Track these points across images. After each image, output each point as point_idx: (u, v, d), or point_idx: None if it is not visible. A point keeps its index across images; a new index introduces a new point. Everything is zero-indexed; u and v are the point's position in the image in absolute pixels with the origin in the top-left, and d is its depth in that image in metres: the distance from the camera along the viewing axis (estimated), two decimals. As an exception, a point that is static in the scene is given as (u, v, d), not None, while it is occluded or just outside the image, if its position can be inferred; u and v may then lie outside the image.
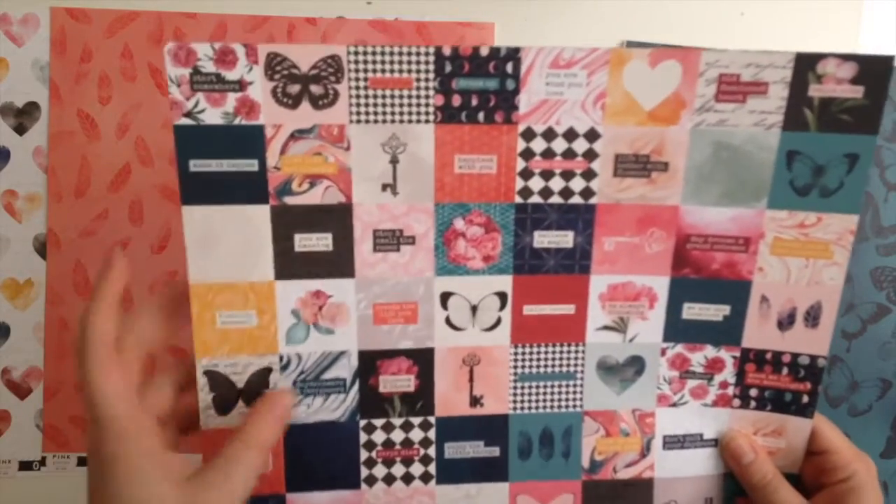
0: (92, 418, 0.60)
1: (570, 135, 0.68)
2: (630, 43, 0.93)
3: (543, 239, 0.70)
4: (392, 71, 0.65)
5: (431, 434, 0.74)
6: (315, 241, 0.68)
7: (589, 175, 0.69)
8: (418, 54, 0.65)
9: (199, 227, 0.66)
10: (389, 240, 0.69)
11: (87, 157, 0.91)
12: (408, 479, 0.75)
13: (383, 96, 0.65)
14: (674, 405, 0.76)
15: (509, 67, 0.66)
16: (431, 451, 0.75)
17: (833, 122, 0.67)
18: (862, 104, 0.67)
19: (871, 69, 0.66)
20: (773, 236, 0.70)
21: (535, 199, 0.69)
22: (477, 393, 0.74)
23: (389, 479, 0.75)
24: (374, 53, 0.64)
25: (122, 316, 0.64)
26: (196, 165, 0.65)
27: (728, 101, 0.67)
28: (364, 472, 0.74)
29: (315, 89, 0.65)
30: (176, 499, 0.60)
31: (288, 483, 0.73)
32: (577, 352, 0.74)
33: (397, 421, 0.74)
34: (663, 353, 0.74)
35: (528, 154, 0.68)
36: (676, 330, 0.74)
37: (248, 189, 0.66)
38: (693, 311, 0.73)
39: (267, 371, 0.71)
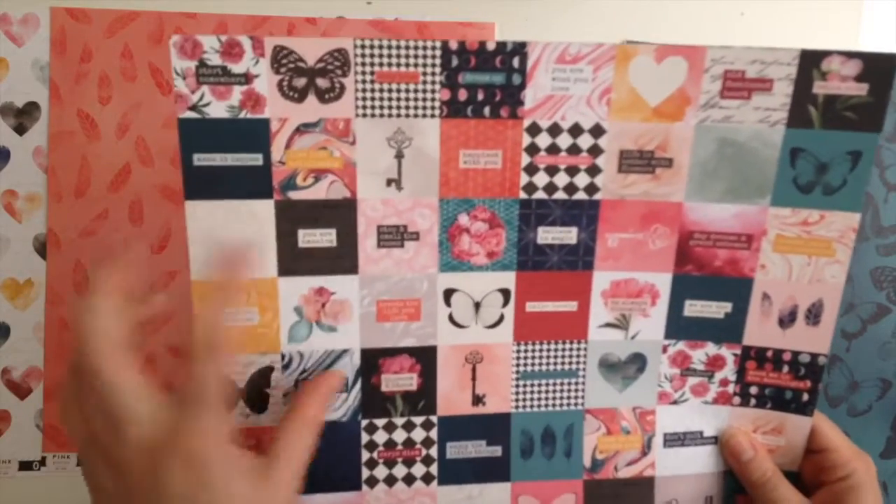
0: (125, 422, 0.58)
1: (576, 130, 0.68)
2: (630, 43, 0.93)
3: (547, 235, 0.70)
4: (399, 65, 0.65)
5: (433, 434, 0.74)
6: (319, 237, 0.68)
7: (593, 171, 0.69)
8: (425, 48, 0.65)
9: (201, 223, 0.66)
10: (393, 235, 0.69)
11: (87, 157, 0.90)
12: (409, 479, 0.75)
13: (389, 90, 0.65)
14: (674, 402, 0.76)
15: (515, 62, 0.66)
16: (433, 452, 0.75)
17: (837, 119, 0.67)
18: (866, 101, 0.67)
19: (875, 66, 0.66)
20: (775, 233, 0.70)
21: (540, 194, 0.69)
22: (479, 391, 0.74)
23: (391, 481, 0.74)
24: (380, 47, 0.64)
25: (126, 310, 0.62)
26: (200, 159, 0.65)
27: (733, 98, 0.68)
28: (365, 473, 0.74)
29: (321, 83, 0.65)
30: (250, 496, 0.60)
31: None
32: (579, 349, 0.74)
33: (399, 420, 0.74)
34: (665, 350, 0.74)
35: (533, 149, 0.68)
36: (678, 327, 0.74)
37: (253, 183, 0.66)
38: (695, 308, 0.73)
39: (268, 370, 0.70)
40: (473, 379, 0.73)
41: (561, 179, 0.69)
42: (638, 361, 0.75)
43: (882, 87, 0.67)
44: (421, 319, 0.72)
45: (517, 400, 0.74)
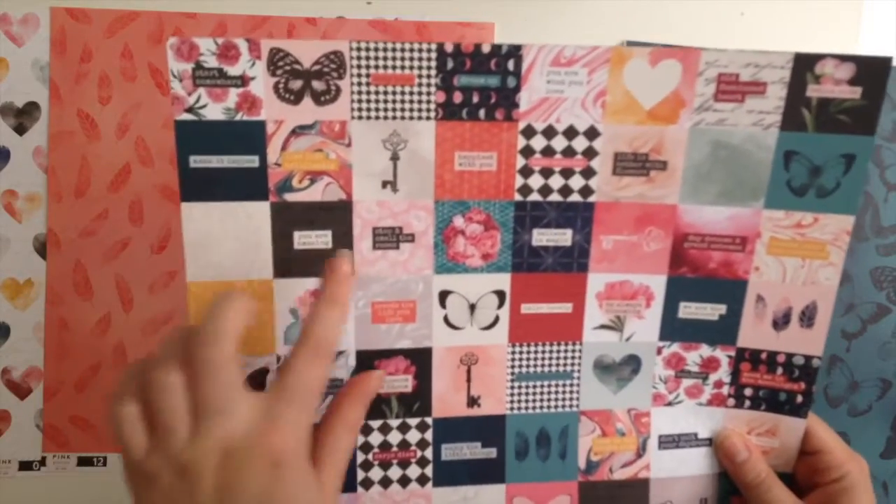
0: (219, 412, 0.58)
1: (570, 133, 0.68)
2: (630, 43, 0.93)
3: (542, 237, 0.70)
4: (394, 67, 0.65)
5: (428, 435, 0.74)
6: (314, 239, 0.68)
7: (588, 173, 0.69)
8: (420, 51, 0.65)
9: (197, 225, 0.66)
10: (389, 237, 0.69)
11: (87, 157, 0.91)
12: (404, 481, 0.75)
13: (385, 93, 0.66)
14: (669, 404, 0.76)
15: (511, 65, 0.66)
16: (428, 453, 0.75)
17: (831, 122, 0.67)
18: (860, 105, 0.67)
19: (869, 70, 0.66)
20: (769, 236, 0.70)
21: (535, 196, 0.69)
22: (474, 393, 0.74)
23: (386, 482, 0.75)
24: (376, 49, 0.65)
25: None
26: (196, 161, 0.65)
27: (727, 101, 0.68)
28: (360, 475, 0.74)
29: (317, 85, 0.65)
30: (312, 498, 0.61)
31: None
32: (573, 351, 0.74)
33: (394, 422, 0.74)
34: (659, 352, 0.75)
35: (528, 151, 0.68)
36: (672, 329, 0.74)
37: (249, 185, 0.66)
38: (689, 310, 0.73)
39: (264, 372, 0.70)
40: (468, 380, 0.73)
41: (556, 182, 0.69)
42: (632, 363, 0.75)
43: (876, 91, 0.66)
44: (416, 321, 0.72)
45: (512, 401, 0.74)
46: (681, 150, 0.69)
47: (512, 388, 0.74)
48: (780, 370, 0.73)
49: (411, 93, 0.66)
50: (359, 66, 0.65)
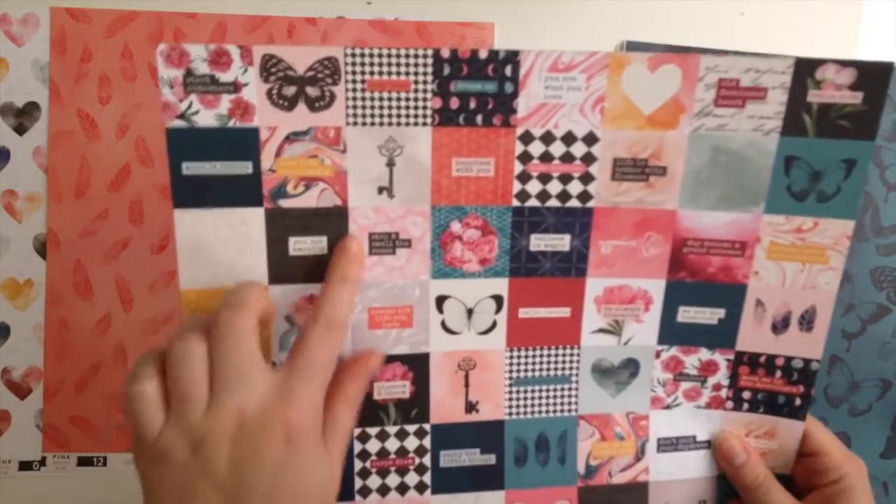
0: (239, 381, 0.60)
1: (569, 138, 0.68)
2: (630, 43, 0.93)
3: (540, 242, 0.70)
4: (390, 73, 0.65)
5: (427, 442, 0.74)
6: (310, 245, 0.68)
7: (587, 179, 0.69)
8: (416, 56, 0.65)
9: (191, 232, 0.66)
10: (385, 243, 0.69)
11: (87, 157, 0.91)
12: (403, 489, 0.75)
13: (381, 98, 0.65)
14: (667, 407, 0.76)
15: (508, 70, 0.66)
16: (426, 460, 0.74)
17: (831, 127, 0.67)
18: (861, 110, 0.66)
19: (870, 75, 0.66)
20: (769, 241, 0.70)
21: (533, 202, 0.69)
22: (472, 398, 0.74)
23: (384, 490, 0.74)
24: (371, 55, 0.64)
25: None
26: (189, 168, 0.65)
27: (727, 106, 0.67)
28: (358, 483, 0.74)
29: (311, 91, 0.65)
30: (324, 469, 0.62)
31: None
32: (572, 355, 0.74)
33: (392, 429, 0.74)
34: (658, 355, 0.74)
35: (525, 157, 0.68)
36: (671, 333, 0.74)
37: (242, 192, 0.66)
38: (688, 314, 0.73)
39: None
40: (466, 386, 0.73)
41: (554, 187, 0.69)
42: (631, 367, 0.75)
43: (877, 96, 0.66)
44: (413, 326, 0.71)
45: (510, 407, 0.74)
46: (681, 155, 0.68)
47: (510, 393, 0.74)
48: (778, 373, 0.73)
49: (407, 99, 0.66)
50: (353, 72, 0.64)
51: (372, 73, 0.65)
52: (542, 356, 0.73)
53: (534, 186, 0.69)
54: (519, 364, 0.73)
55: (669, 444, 0.76)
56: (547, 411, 0.75)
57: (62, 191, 0.91)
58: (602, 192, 0.69)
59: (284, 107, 0.65)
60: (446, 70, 0.65)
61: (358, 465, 0.73)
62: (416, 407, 0.73)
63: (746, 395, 0.75)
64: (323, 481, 0.62)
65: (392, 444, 0.74)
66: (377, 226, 0.68)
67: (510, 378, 0.74)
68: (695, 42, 0.93)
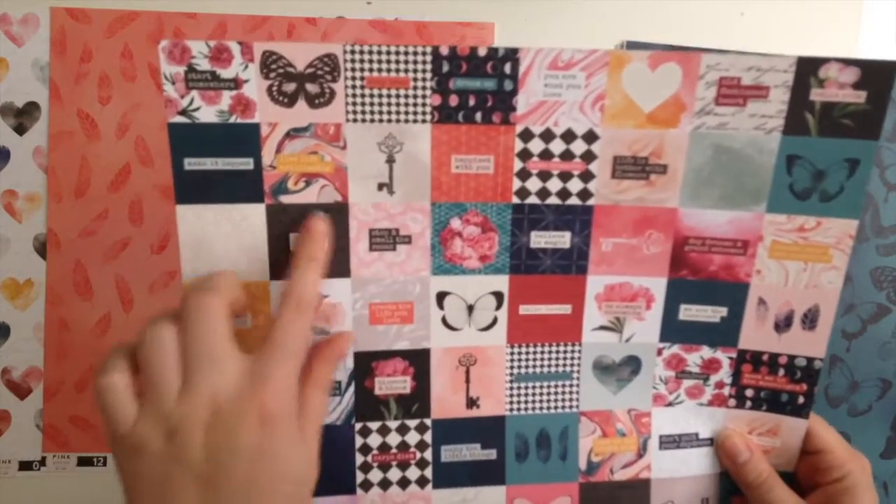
0: (212, 364, 0.59)
1: (569, 136, 0.68)
2: (630, 43, 0.93)
3: (540, 239, 0.70)
4: (389, 70, 0.65)
5: (427, 437, 0.74)
6: None
7: (587, 177, 0.69)
8: (415, 54, 0.65)
9: (193, 227, 0.66)
10: (385, 239, 0.69)
11: (87, 157, 0.91)
12: (404, 483, 0.75)
13: (380, 95, 0.65)
14: (670, 405, 0.76)
15: (507, 68, 0.66)
16: (428, 455, 0.75)
17: (834, 126, 0.67)
18: (864, 109, 0.66)
19: (874, 74, 0.66)
20: (771, 240, 0.70)
21: (533, 199, 0.69)
22: (473, 394, 0.74)
23: (385, 484, 0.75)
24: (370, 52, 0.64)
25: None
26: (191, 164, 0.65)
27: (728, 105, 0.67)
28: (360, 476, 0.74)
29: (311, 88, 0.65)
30: (300, 450, 0.62)
31: None
32: (573, 352, 0.74)
33: (393, 424, 0.74)
34: (659, 353, 0.74)
35: (525, 155, 0.68)
36: (673, 330, 0.74)
37: (244, 188, 0.66)
38: (690, 312, 0.73)
39: None
40: (467, 381, 0.73)
41: (554, 185, 0.69)
42: (632, 364, 0.75)
43: (880, 95, 0.66)
44: (414, 322, 0.72)
45: (511, 402, 0.74)
46: (681, 153, 0.68)
47: (511, 388, 0.74)
48: (781, 371, 0.73)
49: (406, 96, 0.66)
50: (353, 69, 0.65)
51: (371, 70, 0.65)
52: (542, 353, 0.73)
53: (534, 184, 0.69)
54: (520, 360, 0.73)
55: (672, 442, 0.76)
56: (548, 407, 0.75)
57: (62, 191, 0.91)
58: (602, 189, 0.69)
59: (285, 103, 0.65)
60: (445, 67, 0.65)
61: (359, 459, 0.74)
62: (417, 402, 0.73)
63: (749, 392, 0.75)
64: (300, 465, 0.61)
65: (393, 439, 0.74)
66: (377, 222, 0.68)
67: (511, 374, 0.74)
68: (695, 42, 0.92)
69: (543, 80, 0.66)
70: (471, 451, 0.75)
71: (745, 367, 0.74)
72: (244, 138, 0.65)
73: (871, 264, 0.96)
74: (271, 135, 0.65)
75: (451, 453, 0.74)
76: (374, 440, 0.73)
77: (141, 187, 0.92)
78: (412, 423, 0.74)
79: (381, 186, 0.68)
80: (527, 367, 0.74)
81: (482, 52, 0.65)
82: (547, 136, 0.68)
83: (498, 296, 0.72)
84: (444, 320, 0.72)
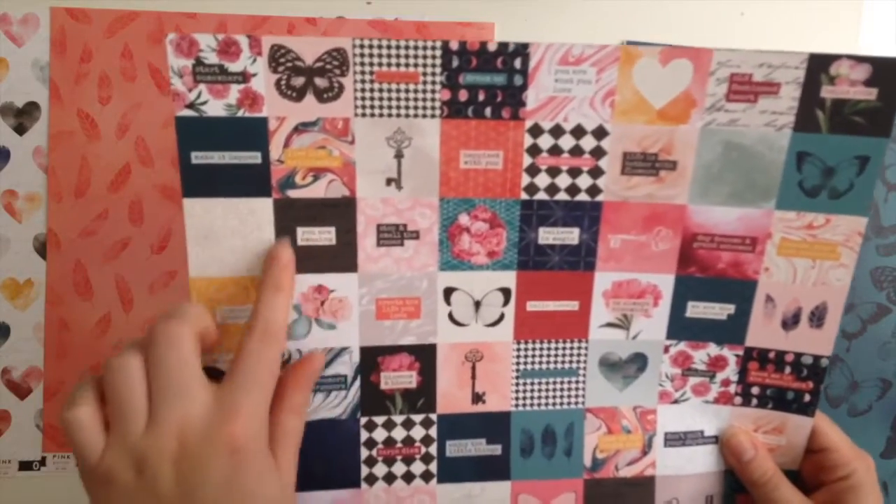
0: (181, 397, 0.59)
1: (578, 132, 0.68)
2: (630, 43, 0.93)
3: (548, 235, 0.70)
4: (398, 65, 0.65)
5: (433, 432, 0.74)
6: (318, 235, 0.68)
7: (596, 172, 0.69)
8: (425, 48, 0.65)
9: (200, 221, 0.66)
10: (393, 234, 0.69)
11: (87, 157, 0.90)
12: (408, 477, 0.75)
13: (389, 90, 0.65)
14: (675, 402, 0.76)
15: (517, 63, 0.66)
16: (433, 450, 0.74)
17: (845, 123, 0.67)
18: (875, 106, 0.66)
19: (885, 71, 0.66)
20: (780, 237, 0.70)
21: (541, 195, 0.69)
22: (479, 390, 0.74)
23: (390, 478, 0.74)
24: (380, 47, 0.64)
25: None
26: (198, 157, 0.65)
27: (739, 101, 0.67)
28: (364, 470, 0.74)
29: (320, 82, 0.65)
30: (272, 479, 0.61)
31: None
32: (579, 348, 0.74)
33: (398, 418, 0.74)
34: (666, 350, 0.74)
35: (534, 150, 0.68)
36: (680, 328, 0.74)
37: (251, 182, 0.66)
38: (697, 309, 0.73)
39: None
40: (473, 377, 0.73)
41: (563, 181, 0.69)
42: (639, 361, 0.75)
43: (891, 92, 0.66)
44: (420, 317, 0.72)
45: (517, 398, 0.74)
46: (691, 150, 0.68)
47: (517, 384, 0.74)
48: (788, 369, 0.73)
49: (416, 90, 0.66)
50: (362, 64, 0.65)
51: (380, 64, 0.65)
52: (549, 349, 0.73)
53: (542, 180, 0.69)
54: (526, 356, 0.73)
55: (677, 439, 0.76)
56: (554, 404, 0.75)
57: (62, 191, 0.90)
58: (611, 186, 0.69)
59: (293, 97, 0.65)
60: (455, 62, 0.65)
61: (364, 453, 0.74)
62: (422, 397, 0.73)
63: (755, 390, 0.75)
64: (274, 493, 0.61)
65: (398, 434, 0.74)
66: (385, 217, 0.68)
67: (517, 370, 0.74)
68: (695, 42, 0.93)
69: (554, 76, 0.66)
70: (476, 447, 0.75)
71: (752, 365, 0.74)
72: (252, 132, 0.65)
73: (871, 264, 0.97)
74: (279, 129, 0.65)
75: (456, 448, 0.74)
76: (380, 434, 0.73)
77: (141, 187, 0.91)
78: (417, 417, 0.74)
79: (389, 181, 0.68)
80: (533, 363, 0.74)
81: (492, 46, 0.65)
82: (556, 131, 0.68)
83: (505, 292, 0.72)
84: (450, 316, 0.72)
